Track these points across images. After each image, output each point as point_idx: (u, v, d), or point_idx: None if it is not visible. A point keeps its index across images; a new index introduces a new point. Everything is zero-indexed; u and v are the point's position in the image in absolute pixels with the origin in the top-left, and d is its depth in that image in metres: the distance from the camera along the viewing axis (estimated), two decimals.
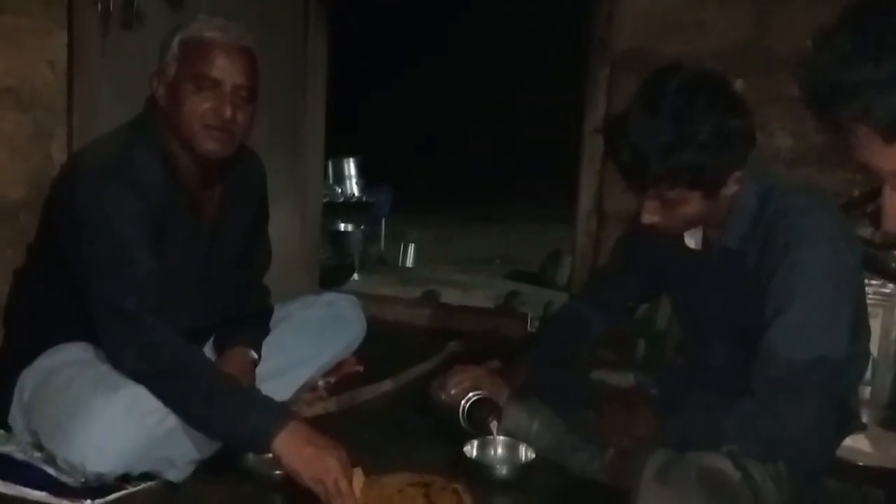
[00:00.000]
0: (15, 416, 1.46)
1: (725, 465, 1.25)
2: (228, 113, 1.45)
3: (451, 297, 3.81)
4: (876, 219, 0.79)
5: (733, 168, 1.30)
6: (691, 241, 1.45)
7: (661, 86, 1.28)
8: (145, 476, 1.42)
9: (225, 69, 1.46)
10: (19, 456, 1.45)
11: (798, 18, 2.37)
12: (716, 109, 1.26)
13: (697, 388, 1.46)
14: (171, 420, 1.38)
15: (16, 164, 1.98)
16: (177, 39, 1.50)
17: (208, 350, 1.68)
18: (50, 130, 2.06)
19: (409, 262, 4.91)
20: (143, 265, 1.41)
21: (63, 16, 2.12)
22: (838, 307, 1.29)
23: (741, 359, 1.36)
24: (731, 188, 1.32)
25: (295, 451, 1.29)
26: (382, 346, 2.25)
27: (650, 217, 1.33)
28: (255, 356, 1.65)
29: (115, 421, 1.32)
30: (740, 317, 1.40)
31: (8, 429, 1.50)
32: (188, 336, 1.58)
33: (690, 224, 1.39)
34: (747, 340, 1.35)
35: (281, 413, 1.36)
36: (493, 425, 1.46)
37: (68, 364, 1.43)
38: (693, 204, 1.31)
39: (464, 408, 1.52)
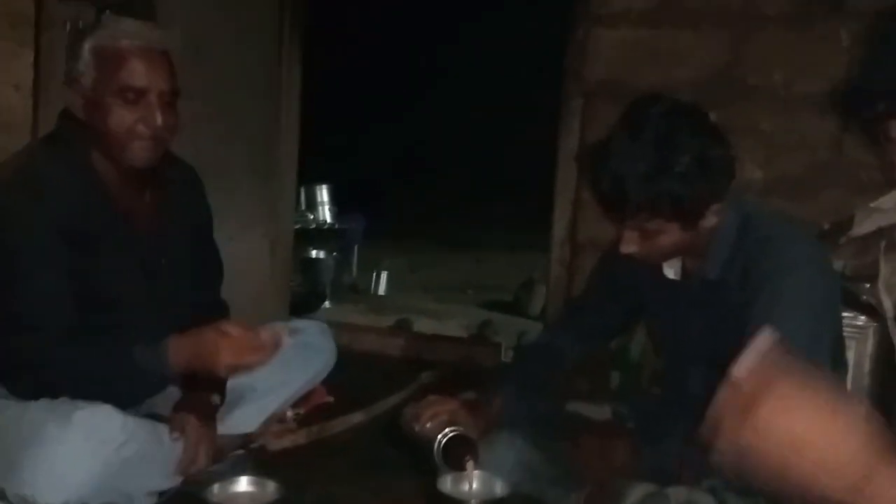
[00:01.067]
0: None
1: (706, 499, 1.23)
2: (159, 121, 1.40)
3: (423, 325, 3.78)
4: None
5: (713, 199, 1.28)
6: (670, 271, 1.44)
7: (643, 113, 1.27)
8: None
9: (149, 77, 1.39)
10: None
11: (771, 48, 2.42)
12: (697, 138, 1.25)
13: (675, 419, 1.44)
14: (128, 449, 1.32)
15: None
16: (87, 46, 1.41)
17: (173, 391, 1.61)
18: None
19: (382, 290, 4.87)
20: (42, 282, 1.36)
21: (30, 37, 2.09)
22: (820, 337, 1.28)
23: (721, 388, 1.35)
24: (710, 220, 1.31)
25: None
26: (354, 376, 2.20)
27: (628, 247, 1.31)
28: (217, 401, 1.57)
29: (69, 450, 1.26)
30: (721, 346, 1.38)
31: None
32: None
33: (669, 255, 1.38)
34: (727, 370, 1.33)
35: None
36: (470, 465, 1.42)
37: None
38: (671, 235, 1.29)
39: (440, 443, 1.48)
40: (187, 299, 1.63)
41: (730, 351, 1.31)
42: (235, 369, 1.44)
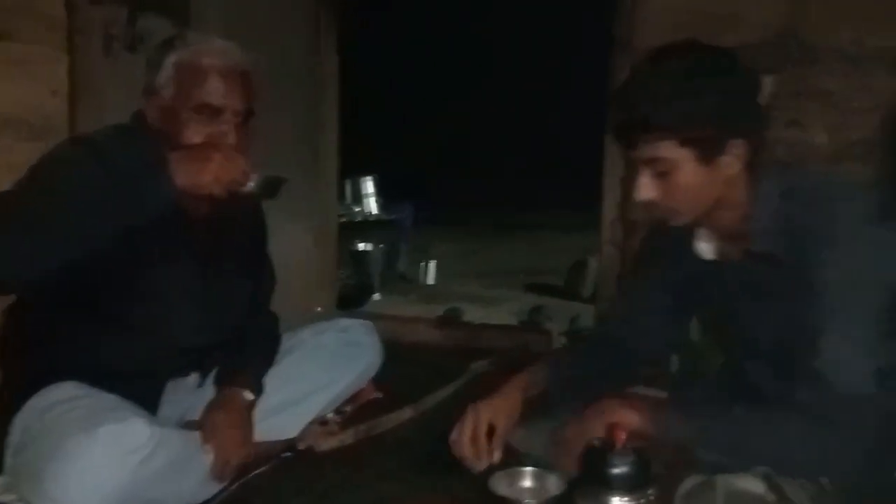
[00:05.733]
0: (9, 463, 1.37)
1: (758, 487, 1.15)
2: (231, 140, 1.40)
3: (473, 313, 3.71)
4: None
5: (731, 133, 1.21)
6: (705, 249, 1.35)
7: (666, 50, 1.23)
8: None
9: (225, 97, 1.41)
10: None
11: (835, 7, 2.25)
12: (719, 74, 1.20)
13: (729, 406, 1.34)
14: (158, 459, 1.28)
15: None
16: (171, 60, 1.43)
17: (209, 388, 1.58)
18: None
19: (431, 279, 4.82)
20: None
21: (64, 41, 2.07)
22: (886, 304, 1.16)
23: (783, 373, 1.25)
24: (730, 161, 1.22)
25: None
26: (403, 369, 2.15)
27: (647, 191, 1.24)
28: (250, 396, 1.55)
29: (94, 463, 1.22)
30: (777, 327, 1.27)
31: None
32: (185, 356, 1.54)
33: (694, 203, 1.26)
34: (787, 352, 1.23)
35: None
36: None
37: (59, 403, 1.33)
38: (688, 171, 1.21)
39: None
40: (237, 310, 1.62)
41: (788, 330, 1.21)
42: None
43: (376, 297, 4.26)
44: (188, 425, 1.51)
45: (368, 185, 4.92)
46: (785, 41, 2.33)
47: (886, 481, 1.34)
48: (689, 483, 1.17)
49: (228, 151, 1.37)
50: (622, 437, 0.83)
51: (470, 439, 1.34)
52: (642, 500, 0.81)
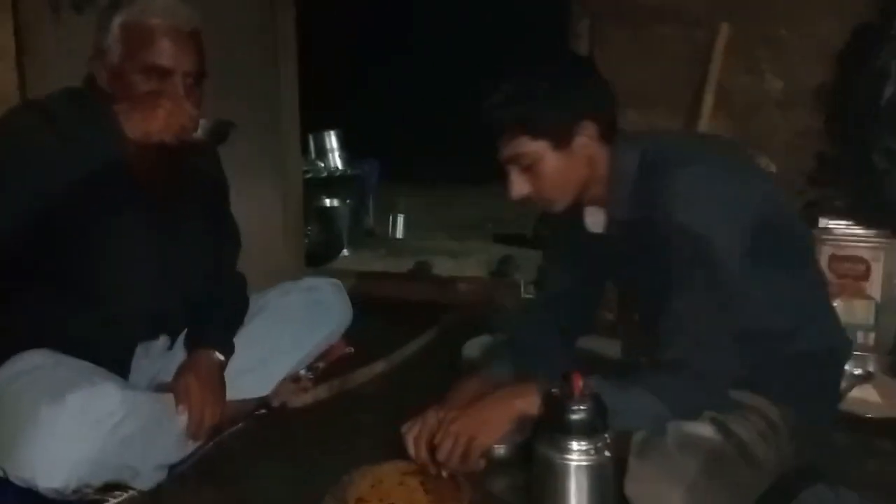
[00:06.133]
0: None
1: (705, 429, 1.22)
2: (182, 102, 1.37)
3: (443, 266, 3.74)
4: None
5: (576, 116, 1.29)
6: (591, 223, 1.42)
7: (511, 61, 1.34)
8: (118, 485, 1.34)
9: (174, 57, 1.39)
10: None
11: None
12: (557, 65, 1.33)
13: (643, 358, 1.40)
14: (130, 424, 1.30)
15: None
16: (117, 21, 1.40)
17: (179, 350, 1.60)
18: None
19: (400, 233, 4.82)
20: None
21: (7, 3, 2.00)
22: (727, 260, 1.22)
23: None
24: (584, 142, 1.30)
25: None
26: (374, 324, 2.18)
27: (519, 188, 1.33)
28: (221, 357, 1.57)
29: (62, 430, 1.24)
30: (654, 288, 1.32)
31: None
32: (152, 320, 1.54)
33: (564, 189, 1.34)
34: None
35: None
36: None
37: (25, 373, 1.34)
38: (549, 160, 1.30)
39: None
40: (201, 270, 1.62)
41: (660, 292, 1.27)
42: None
43: (345, 252, 4.26)
44: (160, 388, 1.53)
45: (332, 140, 4.85)
46: None
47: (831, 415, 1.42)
48: (640, 435, 1.21)
49: (176, 98, 1.36)
50: (580, 385, 0.88)
51: (414, 444, 1.36)
52: (599, 444, 0.86)
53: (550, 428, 0.88)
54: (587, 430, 0.86)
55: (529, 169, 1.31)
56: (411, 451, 1.37)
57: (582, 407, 0.86)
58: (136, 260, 1.49)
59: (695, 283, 1.22)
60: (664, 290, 1.26)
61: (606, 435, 0.86)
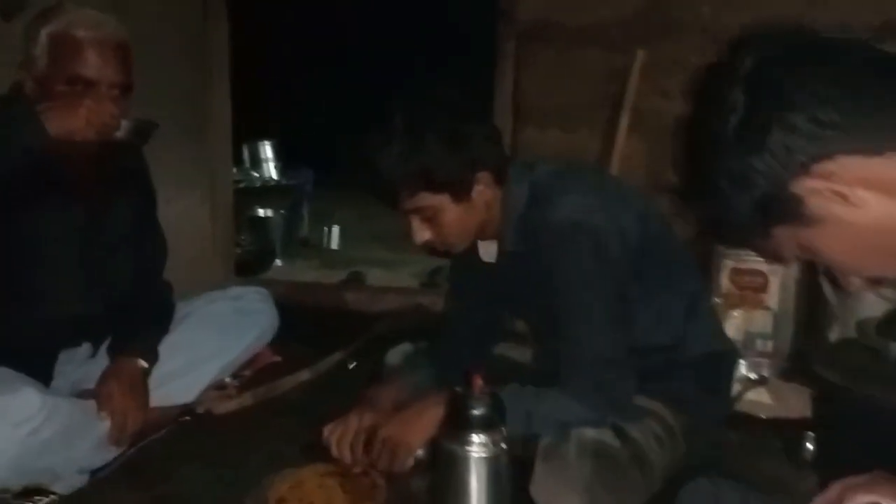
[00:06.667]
0: None
1: (605, 434, 1.31)
2: (104, 113, 1.39)
3: (376, 276, 3.79)
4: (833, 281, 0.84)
5: (474, 169, 1.34)
6: (486, 254, 1.49)
7: (392, 111, 1.34)
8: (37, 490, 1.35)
9: (100, 69, 1.41)
10: None
11: None
12: (447, 118, 1.32)
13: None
14: (49, 428, 1.32)
15: None
16: (44, 32, 1.42)
17: (102, 357, 1.61)
18: None
19: (334, 244, 4.85)
20: None
21: None
22: (601, 286, 1.32)
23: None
24: (482, 190, 1.36)
25: None
26: (305, 333, 2.21)
27: (420, 235, 1.37)
28: (145, 364, 1.60)
29: None
30: (541, 313, 1.44)
31: None
32: (76, 326, 1.54)
33: (463, 234, 1.40)
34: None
35: None
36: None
37: None
38: (450, 211, 1.34)
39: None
40: (126, 277, 1.64)
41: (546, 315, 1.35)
42: None
43: (278, 263, 4.26)
44: (83, 395, 1.54)
45: (267, 150, 4.85)
46: (652, 16, 2.49)
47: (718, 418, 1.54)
48: (547, 439, 1.31)
49: (98, 97, 1.39)
50: (479, 383, 0.96)
51: (337, 445, 1.42)
52: (496, 437, 0.94)
53: (452, 424, 0.95)
54: (485, 425, 0.94)
55: (430, 219, 1.36)
56: (335, 451, 1.42)
57: (480, 403, 0.94)
58: (60, 263, 1.50)
59: (584, 304, 1.31)
60: (549, 317, 1.35)
61: (503, 429, 0.95)
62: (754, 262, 2.25)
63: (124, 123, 1.43)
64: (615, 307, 1.32)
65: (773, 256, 0.80)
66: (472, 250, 1.49)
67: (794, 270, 2.19)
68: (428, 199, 1.33)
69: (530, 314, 1.55)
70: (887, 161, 0.69)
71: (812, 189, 0.71)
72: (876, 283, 0.87)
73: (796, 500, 0.98)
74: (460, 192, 1.34)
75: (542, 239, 1.33)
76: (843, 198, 0.70)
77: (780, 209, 0.72)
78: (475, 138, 1.35)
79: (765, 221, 0.74)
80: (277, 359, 2.04)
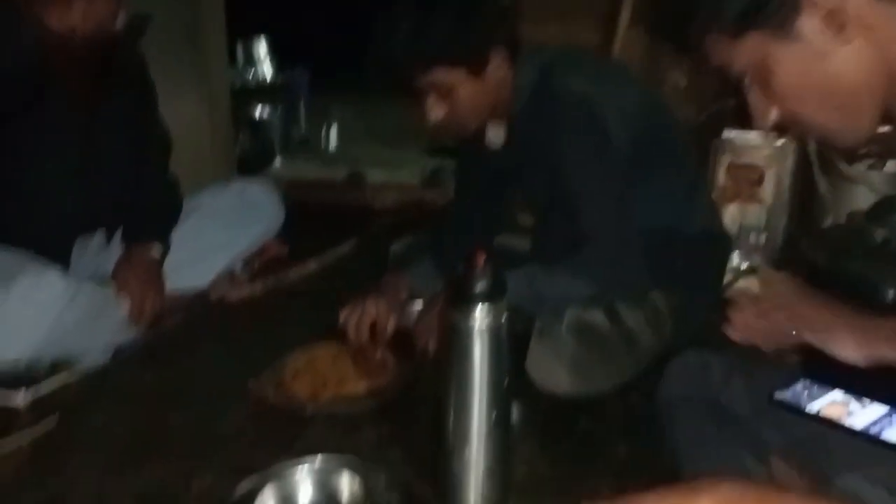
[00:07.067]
0: None
1: (597, 315, 1.39)
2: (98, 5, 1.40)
3: (376, 175, 3.80)
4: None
5: (489, 43, 1.34)
6: (494, 138, 1.50)
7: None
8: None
9: None
10: None
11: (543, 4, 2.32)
12: None
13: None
14: (72, 312, 1.39)
15: None
16: None
17: (116, 248, 1.66)
18: None
19: (333, 143, 4.83)
20: None
21: None
22: (607, 161, 1.35)
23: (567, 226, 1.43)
24: (496, 66, 1.36)
25: None
26: (308, 229, 2.26)
27: (435, 113, 1.37)
28: (157, 252, 1.65)
29: (10, 312, 1.33)
30: (551, 190, 1.46)
31: None
32: (79, 222, 1.59)
33: (476, 113, 1.41)
34: (561, 209, 1.42)
35: None
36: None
37: None
38: (464, 88, 1.34)
39: None
40: (131, 168, 1.66)
41: (556, 191, 1.39)
42: None
43: (277, 163, 4.27)
44: (100, 282, 1.60)
45: (261, 48, 4.75)
46: None
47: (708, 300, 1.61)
48: (543, 318, 1.40)
49: None
50: (482, 258, 1.01)
51: (355, 328, 1.50)
52: (498, 310, 1.01)
53: (455, 298, 1.02)
54: (487, 298, 1.00)
55: (444, 97, 1.36)
56: (350, 333, 1.50)
57: (482, 277, 0.99)
58: (64, 157, 1.53)
59: (594, 165, 1.34)
60: (555, 198, 1.39)
61: (504, 303, 1.01)
62: (751, 155, 2.28)
63: (120, 16, 1.42)
64: (621, 183, 1.36)
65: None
66: (480, 137, 1.51)
67: (789, 164, 2.23)
68: (443, 74, 1.33)
69: (536, 196, 1.58)
70: (892, 11, 0.68)
71: (814, 4, 0.69)
72: (782, 130, 0.84)
73: (782, 373, 1.05)
74: (475, 68, 1.34)
75: (551, 115, 1.35)
76: (839, 28, 0.69)
77: (774, 11, 0.70)
78: (489, 13, 1.35)
79: (746, 21, 0.72)
80: (285, 250, 2.10)
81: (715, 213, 1.62)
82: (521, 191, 1.62)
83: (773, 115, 0.77)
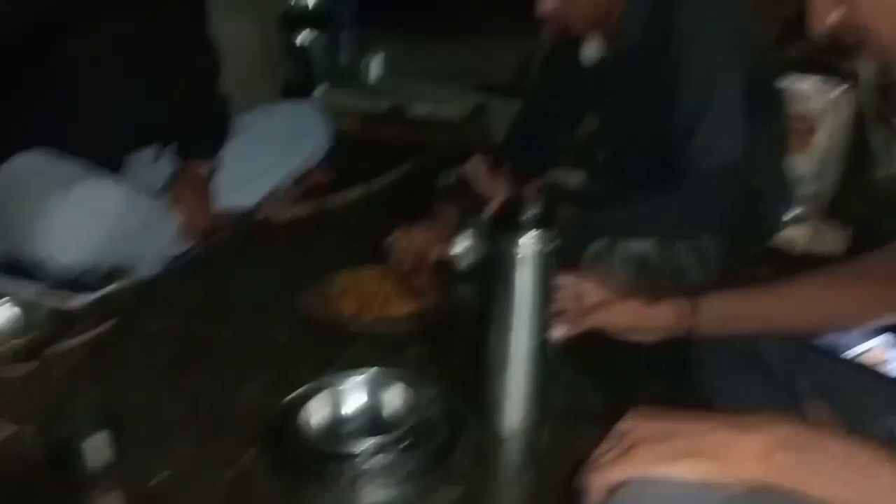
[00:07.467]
0: None
1: (648, 249, 1.38)
2: None
3: (419, 110, 3.78)
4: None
5: None
6: (589, 54, 1.47)
7: None
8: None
9: None
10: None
11: None
12: None
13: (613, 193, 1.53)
14: (130, 219, 1.44)
15: None
16: None
17: (166, 163, 1.69)
18: None
19: (376, 76, 4.79)
20: None
21: None
22: (737, 80, 1.32)
23: (658, 162, 1.41)
24: None
25: None
26: (350, 158, 2.27)
27: (550, 2, 1.35)
28: (209, 169, 1.68)
29: (70, 217, 1.37)
30: (654, 117, 1.43)
31: None
32: (132, 134, 1.63)
33: (591, 10, 1.38)
34: (663, 139, 1.39)
35: None
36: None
37: (29, 169, 1.45)
38: None
39: None
40: (183, 85, 1.68)
41: (660, 123, 1.37)
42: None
43: (318, 92, 4.25)
44: (153, 194, 1.65)
45: None
46: None
47: (758, 240, 1.60)
48: (596, 246, 1.39)
49: None
50: (535, 184, 1.02)
51: (402, 252, 1.51)
52: (547, 237, 1.01)
53: (504, 223, 1.02)
54: (539, 224, 1.01)
55: None
56: (399, 257, 1.52)
57: (532, 203, 1.00)
58: (115, 71, 1.54)
59: (721, 97, 1.30)
60: (648, 126, 1.36)
61: (555, 228, 1.01)
62: (805, 104, 2.22)
63: None
64: (742, 106, 1.32)
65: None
66: (574, 48, 1.47)
67: (843, 116, 2.17)
68: None
69: (615, 128, 1.54)
70: None
71: None
72: (834, 43, 0.70)
73: None
74: None
75: (676, 29, 1.31)
76: None
77: None
78: None
79: None
80: (329, 176, 2.12)
81: (783, 159, 1.59)
82: (604, 113, 1.57)
83: (833, 17, 0.67)
